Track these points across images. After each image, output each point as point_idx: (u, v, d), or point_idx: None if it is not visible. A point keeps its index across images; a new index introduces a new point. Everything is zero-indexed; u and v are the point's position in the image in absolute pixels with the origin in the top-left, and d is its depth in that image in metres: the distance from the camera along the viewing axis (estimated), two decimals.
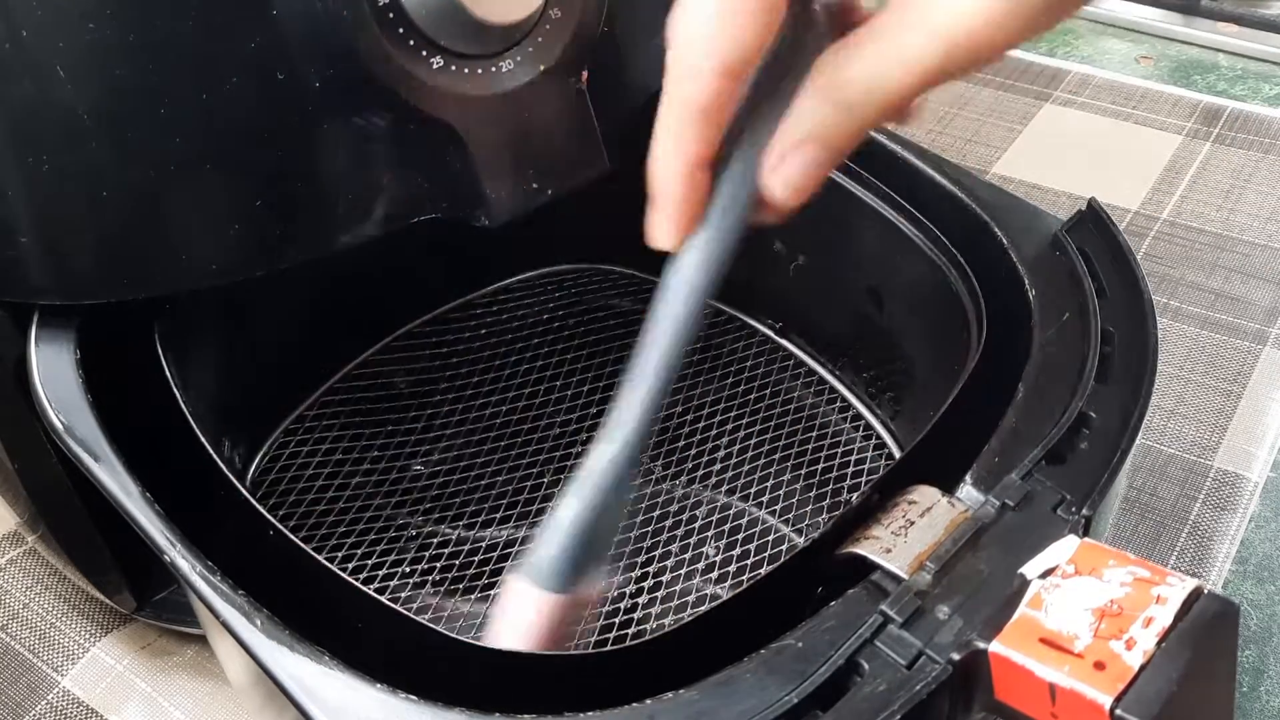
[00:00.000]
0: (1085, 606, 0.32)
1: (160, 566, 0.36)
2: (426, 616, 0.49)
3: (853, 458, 0.57)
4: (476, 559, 0.53)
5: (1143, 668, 0.30)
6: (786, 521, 0.55)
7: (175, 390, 0.42)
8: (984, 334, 0.44)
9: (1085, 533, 0.36)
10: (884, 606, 0.34)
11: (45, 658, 0.54)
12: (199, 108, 0.39)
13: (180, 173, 0.40)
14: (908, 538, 0.36)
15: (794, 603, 0.37)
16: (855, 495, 0.39)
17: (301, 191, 0.41)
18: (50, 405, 0.40)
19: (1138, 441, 0.39)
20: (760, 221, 0.33)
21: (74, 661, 0.54)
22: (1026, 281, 0.45)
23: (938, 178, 0.51)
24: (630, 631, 0.50)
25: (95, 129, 0.39)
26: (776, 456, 0.58)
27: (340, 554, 0.53)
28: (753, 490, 0.56)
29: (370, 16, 0.39)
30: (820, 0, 0.33)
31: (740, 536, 0.54)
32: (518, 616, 0.35)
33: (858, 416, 0.58)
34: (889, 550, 0.36)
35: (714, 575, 0.53)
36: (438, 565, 0.53)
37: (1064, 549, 0.34)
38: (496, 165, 0.43)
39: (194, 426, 0.41)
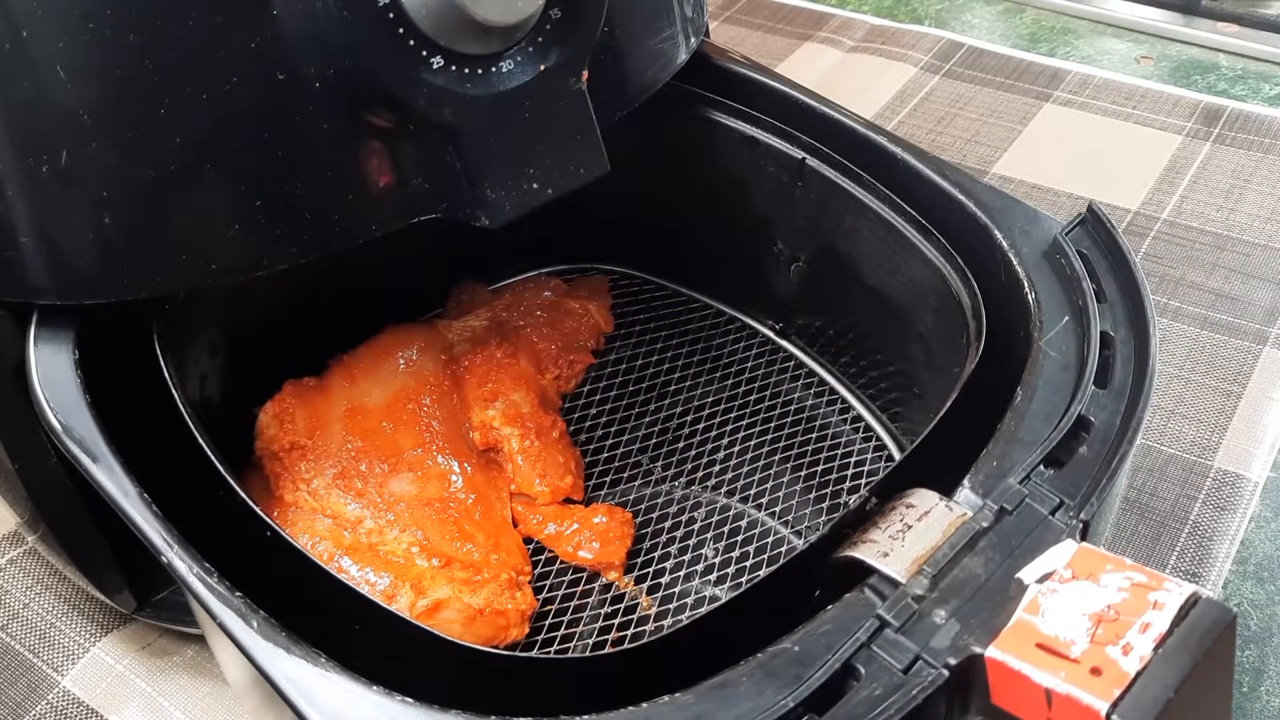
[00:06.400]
0: (1082, 612, 0.32)
1: (160, 566, 0.36)
2: None
3: (852, 459, 0.57)
4: None
5: (1139, 674, 0.30)
6: (785, 523, 0.55)
7: (174, 391, 0.42)
8: (983, 336, 0.44)
9: (1083, 537, 0.36)
10: (881, 610, 0.34)
11: (45, 658, 0.54)
12: (199, 108, 0.39)
13: (180, 173, 0.40)
14: (905, 541, 0.36)
15: (791, 606, 0.37)
16: (853, 498, 0.39)
17: (301, 192, 0.41)
18: (48, 405, 0.40)
19: (1137, 443, 0.39)
20: None
21: (74, 661, 0.54)
22: (1026, 284, 0.45)
23: (938, 179, 0.51)
24: (628, 633, 0.51)
25: (95, 129, 0.39)
26: (776, 458, 0.58)
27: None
28: (752, 491, 0.56)
29: (370, 17, 0.39)
30: None
31: (739, 538, 0.54)
32: None
33: (857, 418, 0.58)
34: (886, 554, 0.36)
35: (712, 577, 0.53)
36: None
37: (1062, 554, 0.34)
38: (496, 165, 0.43)
39: (192, 427, 0.41)
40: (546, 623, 0.51)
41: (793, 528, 0.55)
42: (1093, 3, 1.00)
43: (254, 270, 0.42)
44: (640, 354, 0.63)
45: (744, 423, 0.59)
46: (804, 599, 0.38)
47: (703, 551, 0.54)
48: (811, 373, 0.61)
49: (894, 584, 0.35)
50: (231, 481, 0.40)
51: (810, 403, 0.60)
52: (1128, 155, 0.83)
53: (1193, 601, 0.31)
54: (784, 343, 0.63)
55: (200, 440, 0.41)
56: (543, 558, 0.53)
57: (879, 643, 0.33)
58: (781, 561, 0.38)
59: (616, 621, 0.51)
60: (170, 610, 0.54)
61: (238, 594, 0.35)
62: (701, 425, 0.60)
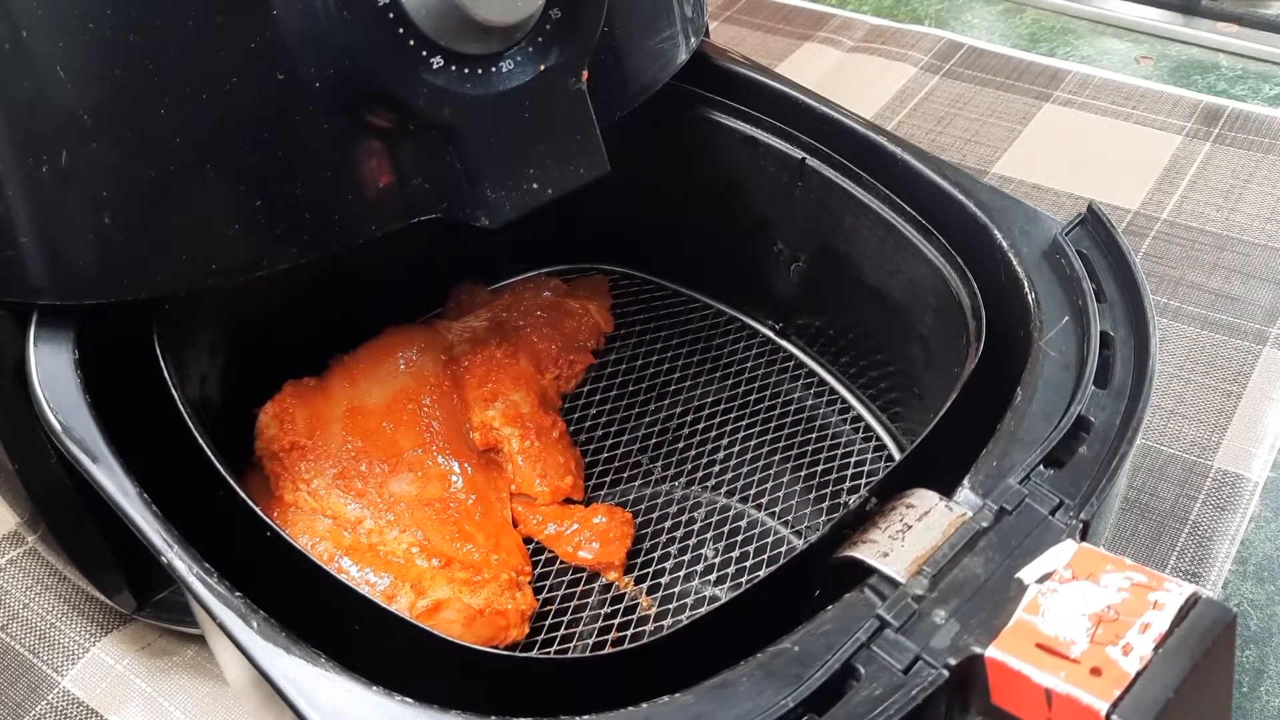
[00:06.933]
0: (1082, 612, 0.32)
1: (160, 566, 0.36)
2: None
3: (852, 459, 0.57)
4: None
5: (1139, 674, 0.30)
6: (785, 523, 0.55)
7: (174, 391, 0.42)
8: (983, 336, 0.44)
9: (1083, 537, 0.36)
10: (881, 611, 0.34)
11: (45, 658, 0.54)
12: (199, 108, 0.39)
13: (179, 173, 0.40)
14: (905, 541, 0.36)
15: (791, 606, 0.37)
16: (853, 498, 0.39)
17: (301, 192, 0.41)
18: (48, 405, 0.40)
19: (1137, 443, 0.39)
20: None
21: (74, 661, 0.54)
22: (1026, 284, 0.45)
23: (938, 179, 0.51)
24: (628, 633, 0.51)
25: (95, 129, 0.39)
26: (776, 458, 0.58)
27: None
28: (752, 491, 0.56)
29: (370, 17, 0.39)
30: None
31: (739, 538, 0.54)
32: None
33: (857, 418, 0.58)
34: (886, 554, 0.36)
35: (712, 577, 0.53)
36: None
37: (1061, 554, 0.34)
38: (496, 165, 0.43)
39: (192, 427, 0.41)
40: (546, 623, 0.51)
41: (793, 528, 0.55)
42: (1093, 3, 1.00)
43: (254, 270, 0.42)
44: (640, 354, 0.63)
45: (744, 423, 0.59)
46: (804, 599, 0.38)
47: (703, 551, 0.54)
48: (811, 373, 0.61)
49: (894, 584, 0.35)
50: (231, 481, 0.40)
51: (810, 403, 0.60)
52: (1128, 155, 0.83)
53: (1193, 601, 0.31)
54: (784, 343, 0.63)
55: (200, 440, 0.41)
56: (543, 558, 0.53)
57: (879, 643, 0.33)
58: (781, 561, 0.38)
59: (616, 621, 0.51)
60: (170, 610, 0.53)
61: (238, 594, 0.35)
62: (701, 425, 0.60)
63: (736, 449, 0.58)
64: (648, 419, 0.60)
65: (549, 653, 0.49)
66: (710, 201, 0.60)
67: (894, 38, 0.97)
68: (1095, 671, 0.30)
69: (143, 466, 0.39)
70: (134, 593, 0.52)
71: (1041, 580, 0.34)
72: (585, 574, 0.53)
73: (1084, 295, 0.44)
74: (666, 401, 0.61)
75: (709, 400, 0.61)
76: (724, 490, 0.57)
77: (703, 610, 0.37)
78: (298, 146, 0.41)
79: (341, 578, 0.39)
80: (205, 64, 0.39)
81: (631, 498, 0.57)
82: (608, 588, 0.53)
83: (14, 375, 0.42)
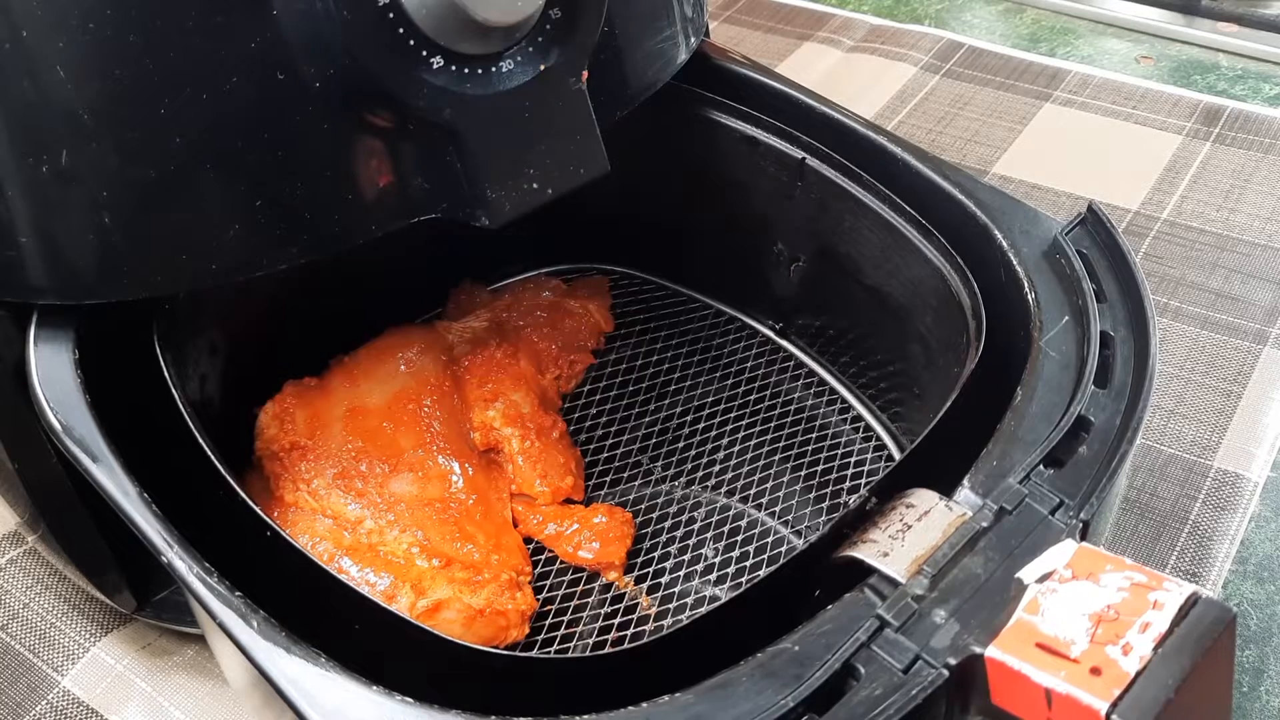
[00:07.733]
0: (1082, 611, 0.32)
1: (160, 567, 0.36)
2: None
3: (852, 459, 0.57)
4: None
5: (1139, 673, 0.30)
6: (785, 523, 0.55)
7: (174, 390, 0.42)
8: (983, 336, 0.44)
9: (1083, 537, 0.36)
10: (880, 610, 0.34)
11: (45, 658, 0.54)
12: (199, 108, 0.39)
13: (179, 173, 0.40)
14: (905, 541, 0.36)
15: (791, 606, 0.37)
16: (853, 498, 0.39)
17: (301, 191, 0.41)
18: (48, 405, 0.40)
19: (1137, 443, 0.39)
20: None
21: (74, 661, 0.54)
22: (1026, 284, 0.45)
23: (938, 179, 0.51)
24: (628, 633, 0.51)
25: (95, 129, 0.39)
26: (776, 458, 0.58)
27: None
28: (752, 491, 0.56)
29: (370, 17, 0.39)
30: None
31: (739, 538, 0.54)
32: None
33: (857, 418, 0.58)
34: (886, 554, 0.36)
35: (712, 577, 0.53)
36: None
37: (1061, 553, 0.34)
38: (496, 165, 0.43)
39: (192, 427, 0.41)
40: (546, 623, 0.51)
41: (793, 528, 0.55)
42: (1093, 3, 1.00)
43: (254, 270, 0.42)
44: (640, 354, 0.63)
45: (744, 423, 0.59)
46: (804, 599, 0.38)
47: (703, 551, 0.54)
48: (811, 373, 0.61)
49: (894, 584, 0.35)
50: (231, 481, 0.40)
51: (810, 403, 0.60)
52: (1128, 155, 0.83)
53: (1193, 601, 0.31)
54: (784, 343, 0.63)
55: (200, 440, 0.41)
56: (543, 558, 0.53)
57: (879, 643, 0.33)
58: (781, 561, 0.38)
59: (616, 621, 0.51)
60: (170, 610, 0.54)
61: (238, 594, 0.35)
62: (701, 425, 0.60)
63: (736, 449, 0.58)
64: (648, 419, 0.60)
65: (549, 653, 0.49)
66: (710, 201, 0.60)
67: (894, 38, 0.97)
68: (1095, 671, 0.30)
69: (143, 466, 0.39)
70: (134, 593, 0.52)
71: (1041, 580, 0.34)
72: (585, 574, 0.53)
73: (1084, 295, 0.44)
74: (666, 401, 0.61)
75: (709, 400, 0.61)
76: (724, 490, 0.57)
77: (703, 610, 0.37)
78: (297, 146, 0.41)
79: (342, 578, 0.39)
80: (205, 64, 0.39)
81: (631, 498, 0.57)
82: (608, 588, 0.53)
83: (14, 375, 0.42)
